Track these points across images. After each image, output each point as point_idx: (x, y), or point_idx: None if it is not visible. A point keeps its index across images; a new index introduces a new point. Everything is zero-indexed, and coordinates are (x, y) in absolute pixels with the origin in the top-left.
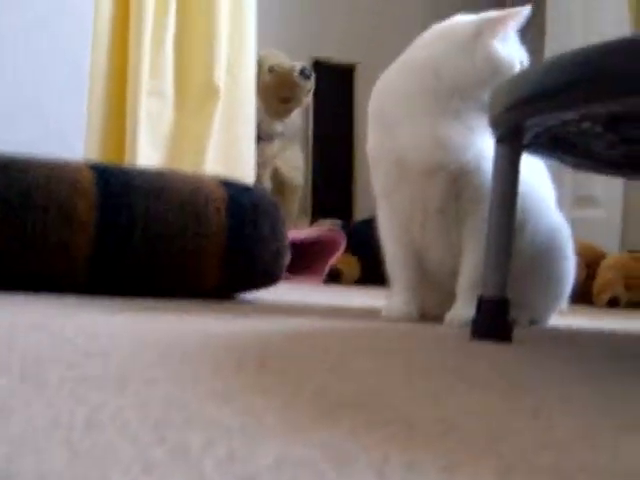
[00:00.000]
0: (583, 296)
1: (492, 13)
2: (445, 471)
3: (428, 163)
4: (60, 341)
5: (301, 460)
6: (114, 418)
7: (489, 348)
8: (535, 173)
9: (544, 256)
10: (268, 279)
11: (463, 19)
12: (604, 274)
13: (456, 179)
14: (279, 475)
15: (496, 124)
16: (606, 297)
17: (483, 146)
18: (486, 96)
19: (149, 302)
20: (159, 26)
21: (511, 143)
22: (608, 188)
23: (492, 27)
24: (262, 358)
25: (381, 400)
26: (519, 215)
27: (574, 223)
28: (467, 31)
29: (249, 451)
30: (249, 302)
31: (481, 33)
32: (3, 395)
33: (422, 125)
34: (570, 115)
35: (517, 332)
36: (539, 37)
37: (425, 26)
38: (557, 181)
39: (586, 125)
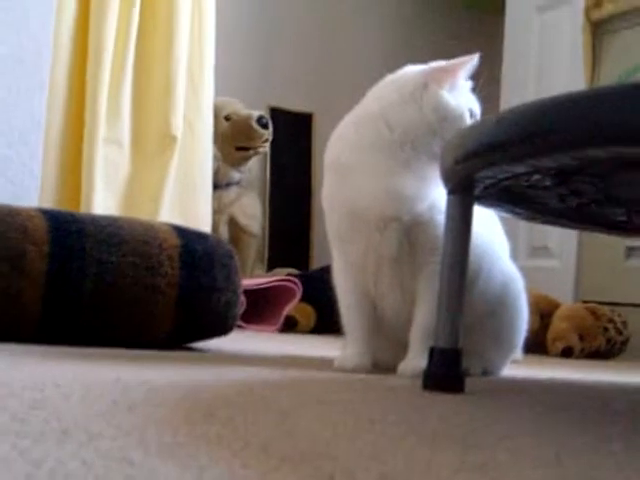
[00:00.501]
0: (537, 346)
1: (440, 62)
2: None
3: (381, 214)
4: (5, 392)
5: None
6: (55, 473)
7: (440, 400)
8: (488, 224)
9: (497, 307)
10: (221, 329)
11: (412, 69)
12: (558, 324)
13: (409, 230)
14: None
15: (447, 176)
16: (560, 347)
17: (437, 197)
18: (437, 146)
19: (99, 351)
20: (116, 74)
21: (463, 195)
22: (562, 239)
23: (439, 76)
24: (211, 409)
25: (327, 454)
26: (472, 266)
27: (528, 273)
28: (415, 81)
29: None
30: (202, 351)
31: (429, 83)
32: None
33: (375, 176)
34: (520, 168)
35: (469, 383)
36: (494, 88)
37: (382, 75)
38: (512, 231)
39: (536, 178)
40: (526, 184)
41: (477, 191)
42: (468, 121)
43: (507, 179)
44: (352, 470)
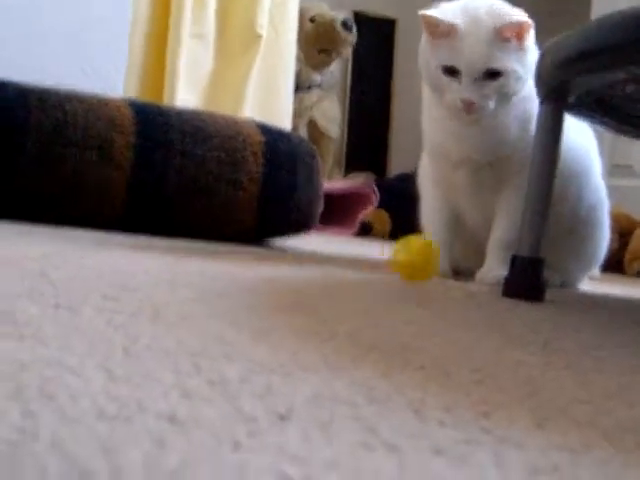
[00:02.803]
0: (615, 265)
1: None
2: (483, 417)
3: (449, 156)
4: (95, 275)
5: (338, 396)
6: (151, 348)
7: (521, 307)
8: (587, 140)
9: (583, 221)
10: (301, 226)
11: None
12: (637, 243)
13: (488, 164)
14: (316, 410)
15: (542, 82)
16: (637, 267)
17: (517, 139)
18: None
19: (182, 243)
20: None
21: (555, 102)
22: None
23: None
24: (296, 299)
25: (415, 346)
26: (567, 180)
27: (610, 191)
28: None
29: (286, 386)
30: (281, 249)
31: None
32: (37, 322)
33: (443, 123)
34: (615, 76)
35: (549, 293)
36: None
37: None
38: None
39: (631, 89)
40: (620, 94)
41: (570, 99)
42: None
43: (601, 88)
44: (443, 363)
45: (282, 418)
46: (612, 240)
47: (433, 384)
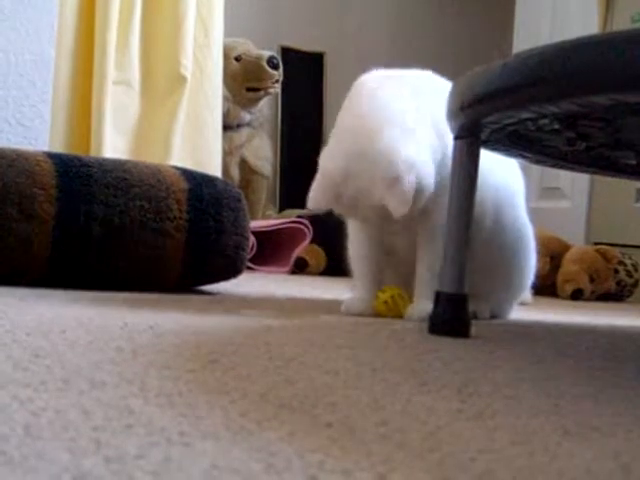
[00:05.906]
0: (547, 288)
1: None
2: (380, 478)
3: None
4: (10, 339)
5: (235, 467)
6: (53, 424)
7: (445, 344)
8: (508, 168)
9: (508, 252)
10: (229, 272)
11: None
12: (568, 266)
13: None
14: None
15: (453, 119)
16: (570, 289)
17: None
18: None
19: (108, 295)
20: (125, 15)
21: (469, 139)
22: (574, 180)
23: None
24: (214, 355)
25: (326, 402)
26: (486, 216)
27: (540, 214)
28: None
29: (185, 457)
30: (211, 294)
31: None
32: None
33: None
34: (525, 114)
35: (476, 327)
36: (508, 37)
37: (391, 14)
38: (524, 172)
39: (544, 122)
40: (533, 128)
41: (484, 135)
42: None
43: (513, 124)
44: (351, 419)
45: None
46: (543, 263)
47: (336, 445)
